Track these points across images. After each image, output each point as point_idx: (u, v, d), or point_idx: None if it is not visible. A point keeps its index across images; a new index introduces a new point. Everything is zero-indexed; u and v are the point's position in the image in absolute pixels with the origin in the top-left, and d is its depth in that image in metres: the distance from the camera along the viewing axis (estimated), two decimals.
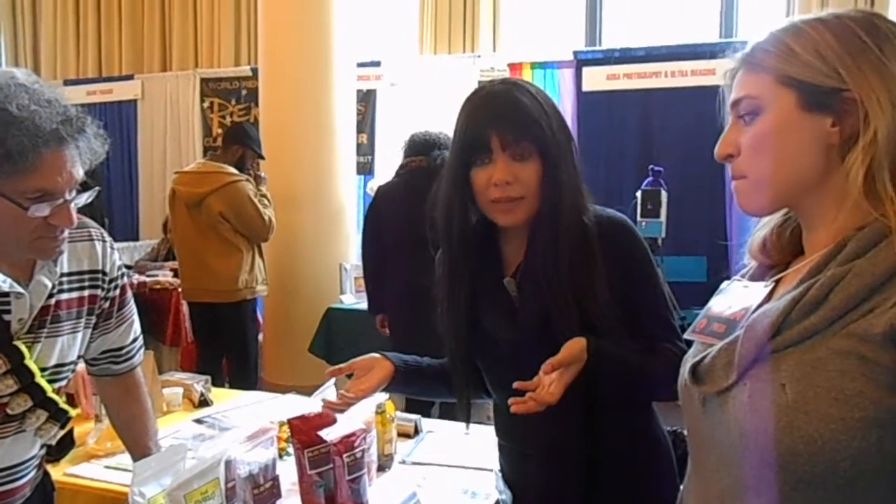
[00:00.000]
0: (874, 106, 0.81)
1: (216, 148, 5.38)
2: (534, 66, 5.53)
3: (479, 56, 5.79)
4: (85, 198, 1.29)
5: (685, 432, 1.04)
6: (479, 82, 5.60)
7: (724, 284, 1.00)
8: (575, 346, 1.23)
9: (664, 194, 4.46)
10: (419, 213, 3.32)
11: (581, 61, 5.42)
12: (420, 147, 3.28)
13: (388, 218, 3.31)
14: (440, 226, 1.41)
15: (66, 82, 7.02)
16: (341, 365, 1.47)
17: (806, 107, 0.85)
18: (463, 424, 1.58)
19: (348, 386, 1.42)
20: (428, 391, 1.59)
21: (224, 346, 4.10)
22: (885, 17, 0.87)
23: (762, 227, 0.99)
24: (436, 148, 3.22)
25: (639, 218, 4.39)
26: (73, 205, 1.25)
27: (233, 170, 3.95)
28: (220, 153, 4.11)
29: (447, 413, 2.69)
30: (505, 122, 1.28)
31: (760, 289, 0.93)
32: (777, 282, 0.93)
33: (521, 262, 1.38)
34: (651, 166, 4.59)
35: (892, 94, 0.82)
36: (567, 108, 5.39)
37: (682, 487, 1.07)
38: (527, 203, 1.31)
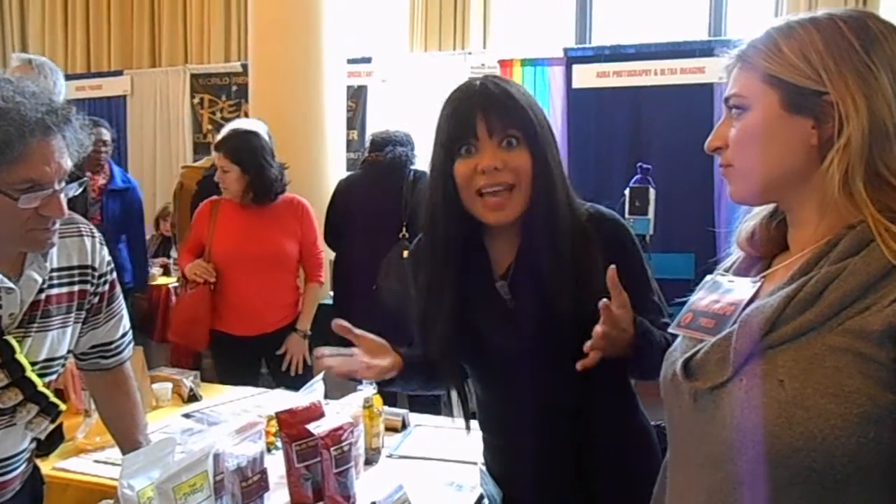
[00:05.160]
0: (850, 111, 0.82)
1: (207, 144, 5.38)
2: (524, 63, 5.54)
3: (469, 53, 5.79)
4: (74, 188, 1.31)
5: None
6: (470, 79, 5.58)
7: (709, 278, 1.01)
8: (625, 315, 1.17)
9: (652, 191, 4.49)
10: (374, 204, 3.36)
11: (571, 59, 5.43)
12: (379, 145, 3.43)
13: (344, 207, 3.49)
14: (423, 226, 1.35)
15: None
16: (353, 329, 1.35)
17: (788, 107, 0.86)
18: (450, 419, 1.56)
19: (364, 359, 1.33)
20: (423, 386, 1.52)
21: None
22: (880, 18, 0.87)
23: (751, 218, 0.99)
24: (389, 145, 3.37)
25: (627, 215, 4.42)
26: (62, 195, 1.26)
27: None
28: None
29: (416, 406, 2.72)
30: (492, 107, 1.23)
31: (748, 284, 0.94)
32: (763, 278, 0.94)
33: (511, 263, 1.33)
34: (639, 164, 4.61)
35: (870, 100, 0.82)
36: (557, 105, 5.41)
37: (657, 483, 1.07)
38: (518, 195, 1.25)
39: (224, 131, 3.10)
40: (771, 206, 0.98)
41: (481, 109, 1.23)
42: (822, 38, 0.84)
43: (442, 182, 1.27)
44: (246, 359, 2.98)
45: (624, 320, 1.17)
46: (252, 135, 2.97)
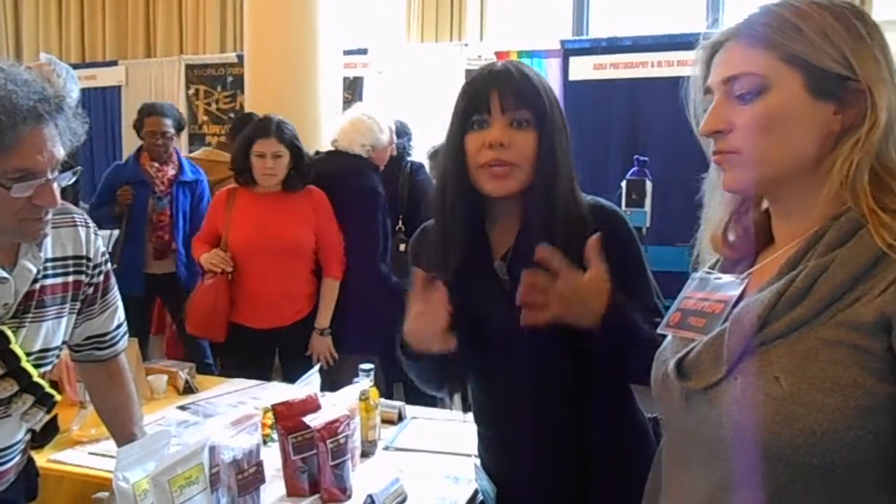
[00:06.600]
0: (882, 98, 0.80)
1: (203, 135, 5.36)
2: (521, 54, 5.51)
3: (466, 44, 5.78)
4: (67, 177, 1.29)
5: None
6: (467, 71, 5.62)
7: (696, 276, 0.99)
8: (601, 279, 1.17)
9: (649, 184, 4.49)
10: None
11: (568, 50, 5.42)
12: None
13: None
14: (433, 203, 1.38)
15: None
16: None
17: (813, 91, 0.82)
18: (446, 411, 1.55)
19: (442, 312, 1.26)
20: (438, 380, 1.46)
21: None
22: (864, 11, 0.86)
23: (711, 222, 0.98)
24: None
25: (623, 207, 4.41)
26: (55, 185, 1.25)
27: None
28: (227, 142, 4.05)
29: (412, 399, 2.73)
30: (506, 85, 1.29)
31: (736, 282, 0.92)
32: (750, 274, 0.92)
33: (510, 246, 1.36)
34: (636, 156, 4.61)
35: (887, 88, 0.81)
36: None
37: (650, 479, 1.07)
38: (520, 172, 1.28)
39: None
40: (729, 209, 0.95)
41: (497, 87, 1.29)
42: (836, 20, 0.82)
43: (453, 154, 1.32)
44: (258, 353, 2.93)
45: (595, 286, 1.18)
46: (287, 121, 2.97)
